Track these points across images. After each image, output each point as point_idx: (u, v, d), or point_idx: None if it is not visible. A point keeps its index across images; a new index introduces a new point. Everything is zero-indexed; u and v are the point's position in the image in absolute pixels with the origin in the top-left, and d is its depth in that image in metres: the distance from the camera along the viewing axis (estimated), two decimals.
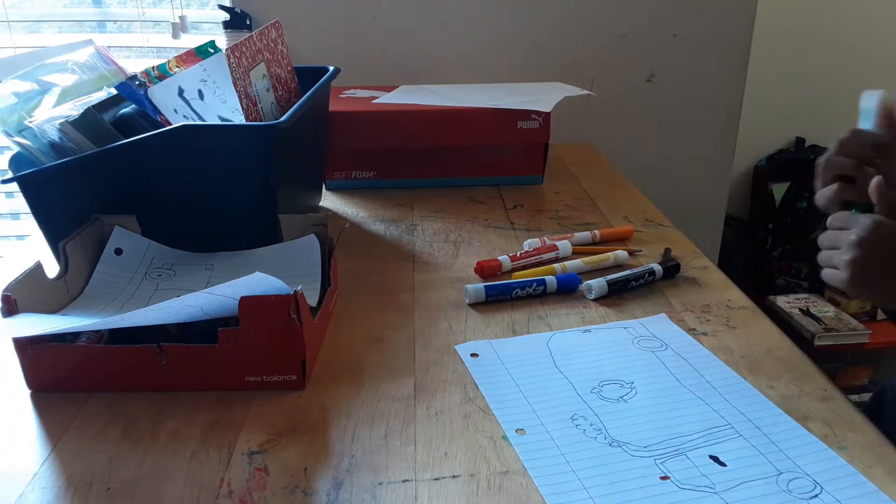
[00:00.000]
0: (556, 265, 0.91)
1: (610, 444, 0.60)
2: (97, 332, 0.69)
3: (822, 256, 0.72)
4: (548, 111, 1.21)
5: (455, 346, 0.75)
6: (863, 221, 0.68)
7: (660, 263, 0.91)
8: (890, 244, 0.67)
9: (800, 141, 2.34)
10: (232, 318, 0.65)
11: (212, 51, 0.97)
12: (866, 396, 1.77)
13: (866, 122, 0.75)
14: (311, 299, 0.74)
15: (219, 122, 0.91)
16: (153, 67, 0.94)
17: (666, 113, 1.78)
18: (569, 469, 0.57)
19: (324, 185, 1.25)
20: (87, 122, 0.85)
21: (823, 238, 0.72)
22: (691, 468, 0.57)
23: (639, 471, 0.57)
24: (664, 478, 0.56)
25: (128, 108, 0.95)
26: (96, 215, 0.83)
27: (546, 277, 0.87)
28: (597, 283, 0.86)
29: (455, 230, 1.07)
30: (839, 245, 0.70)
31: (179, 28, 1.70)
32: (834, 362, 1.90)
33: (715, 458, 0.58)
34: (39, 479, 0.57)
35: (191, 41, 1.69)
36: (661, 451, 0.59)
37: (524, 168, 1.27)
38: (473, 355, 0.74)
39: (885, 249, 0.68)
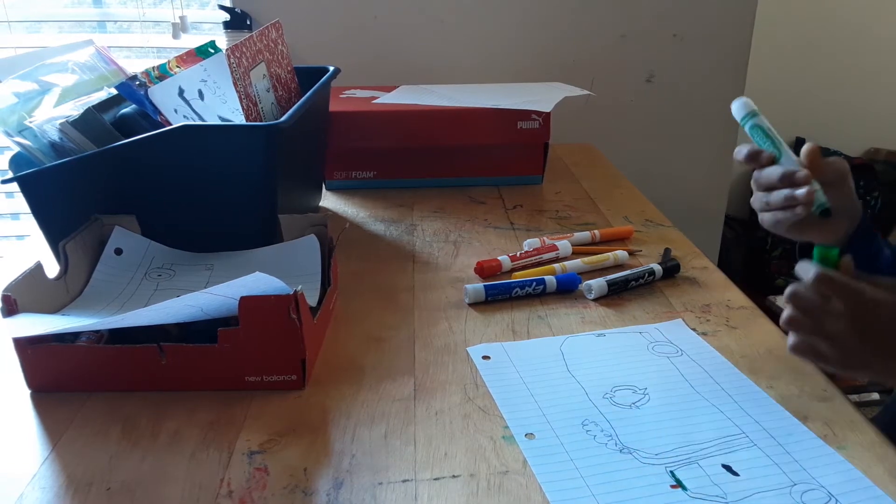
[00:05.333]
0: (555, 265, 0.91)
1: (620, 451, 0.59)
2: (97, 332, 0.69)
3: (792, 321, 0.60)
4: (548, 111, 1.21)
5: (467, 349, 0.75)
6: (851, 289, 0.57)
7: (659, 263, 0.91)
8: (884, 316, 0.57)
9: (800, 141, 2.34)
10: (232, 318, 0.65)
11: (212, 51, 0.97)
12: (866, 396, 1.77)
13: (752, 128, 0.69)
14: (311, 299, 0.74)
15: (219, 122, 0.91)
16: (153, 67, 0.94)
17: (666, 113, 1.78)
18: (578, 475, 0.57)
19: (324, 185, 1.25)
20: (87, 122, 0.85)
21: (797, 298, 0.59)
22: (703, 477, 0.56)
23: (649, 478, 0.56)
24: (675, 486, 0.55)
25: (128, 108, 0.95)
26: (96, 215, 0.83)
27: (546, 277, 0.87)
28: (596, 283, 0.86)
29: (455, 230, 1.07)
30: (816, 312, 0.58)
31: (179, 28, 1.70)
32: None
33: (728, 468, 0.57)
34: (39, 479, 0.57)
35: (191, 41, 1.69)
36: (672, 459, 0.58)
37: (524, 168, 1.27)
38: (485, 357, 0.73)
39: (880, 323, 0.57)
